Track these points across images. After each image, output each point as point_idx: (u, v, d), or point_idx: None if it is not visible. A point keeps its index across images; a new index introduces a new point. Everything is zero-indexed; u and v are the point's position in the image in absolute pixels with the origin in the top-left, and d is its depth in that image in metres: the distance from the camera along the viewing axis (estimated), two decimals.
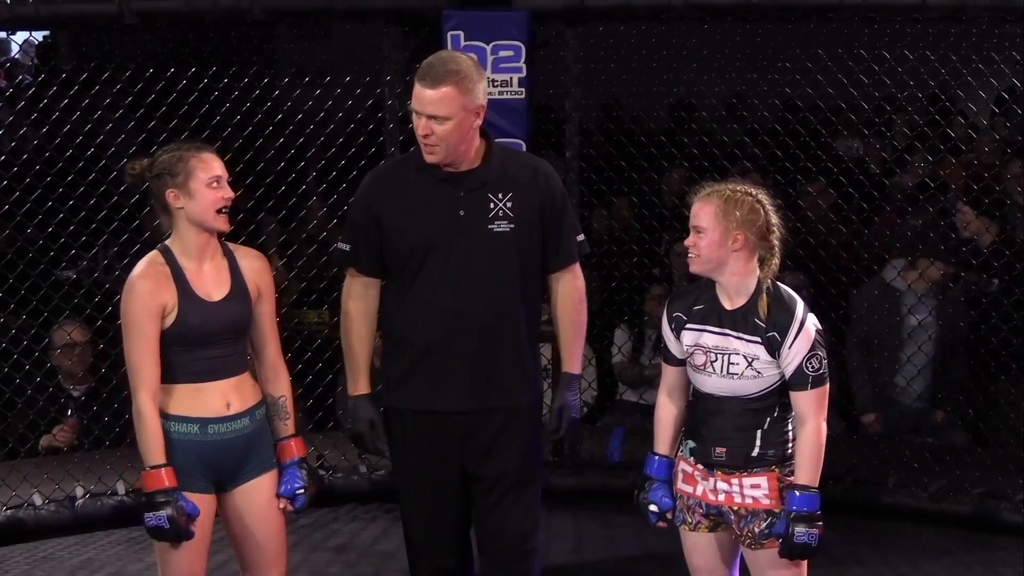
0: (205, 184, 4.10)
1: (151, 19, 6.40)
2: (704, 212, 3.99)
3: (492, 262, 4.30)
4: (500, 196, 4.31)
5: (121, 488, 6.46)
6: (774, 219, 4.01)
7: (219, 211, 4.12)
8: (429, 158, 4.26)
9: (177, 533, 4.04)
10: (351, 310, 4.44)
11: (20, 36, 7.55)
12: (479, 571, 4.51)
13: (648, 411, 4.32)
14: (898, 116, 8.39)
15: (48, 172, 6.84)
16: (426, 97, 4.19)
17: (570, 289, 4.49)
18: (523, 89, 6.29)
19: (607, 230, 8.11)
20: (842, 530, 6.21)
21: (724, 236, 3.97)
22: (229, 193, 4.15)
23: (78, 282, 7.23)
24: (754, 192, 4.02)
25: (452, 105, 4.19)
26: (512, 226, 4.30)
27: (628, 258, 7.72)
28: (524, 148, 6.14)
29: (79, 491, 6.45)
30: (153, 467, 4.06)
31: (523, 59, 6.32)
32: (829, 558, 5.82)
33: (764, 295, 3.99)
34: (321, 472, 6.45)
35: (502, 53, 6.30)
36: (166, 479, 4.04)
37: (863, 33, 7.54)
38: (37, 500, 6.39)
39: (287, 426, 4.30)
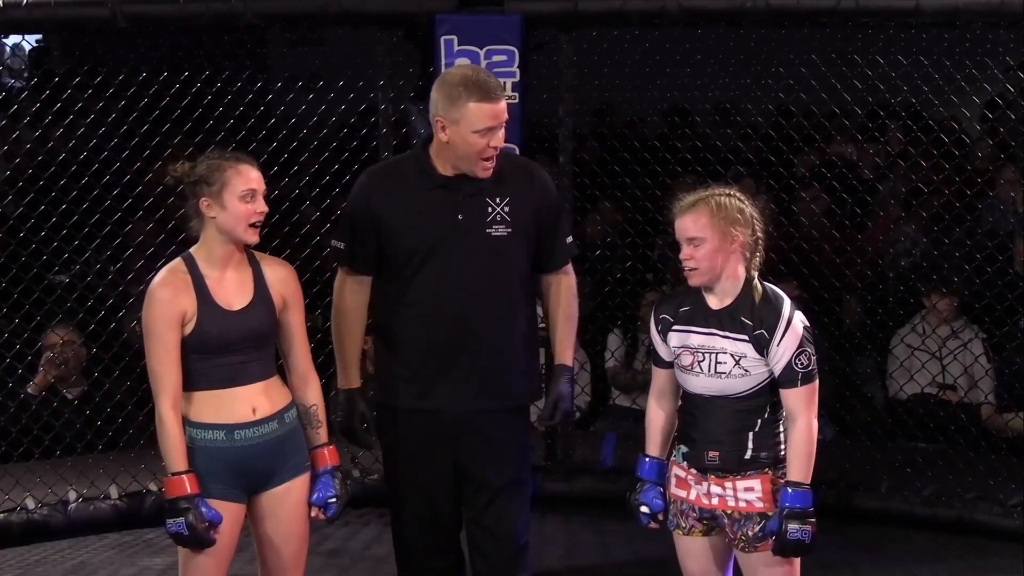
0: (238, 197, 4.09)
1: (144, 23, 6.40)
2: (697, 223, 4.00)
3: (490, 265, 4.33)
4: (498, 200, 4.34)
5: (114, 492, 6.46)
6: (757, 216, 4.05)
7: (251, 225, 4.12)
8: (487, 173, 4.29)
9: (197, 539, 4.05)
10: (344, 306, 4.48)
11: (12, 39, 7.56)
12: (472, 570, 4.53)
13: (641, 416, 4.34)
14: (892, 121, 8.39)
15: (41, 176, 6.84)
16: (499, 109, 4.24)
17: (564, 286, 4.54)
18: (516, 94, 6.28)
19: (600, 235, 8.11)
20: (834, 535, 6.21)
21: (723, 240, 3.99)
22: (263, 207, 4.14)
23: (71, 286, 7.22)
24: (732, 192, 4.07)
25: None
26: (509, 230, 4.34)
27: (622, 263, 7.71)
28: (517, 152, 6.13)
29: (72, 495, 6.45)
30: (175, 474, 4.05)
31: (516, 63, 6.31)
32: (821, 563, 5.81)
33: (755, 293, 4.01)
34: None
35: (496, 58, 6.29)
36: (188, 485, 4.04)
37: (857, 38, 7.54)
38: (30, 504, 6.38)
39: (319, 434, 4.29)
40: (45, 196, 6.76)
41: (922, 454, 6.95)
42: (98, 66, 6.86)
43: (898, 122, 8.22)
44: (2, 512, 6.34)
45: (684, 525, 4.16)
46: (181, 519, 4.02)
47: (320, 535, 6.38)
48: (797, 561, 4.09)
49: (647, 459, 4.23)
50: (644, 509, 4.20)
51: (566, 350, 4.56)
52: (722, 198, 4.01)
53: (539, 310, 4.64)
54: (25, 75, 9.02)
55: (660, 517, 4.20)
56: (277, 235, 7.25)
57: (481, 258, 4.32)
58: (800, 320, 4.01)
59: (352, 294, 4.46)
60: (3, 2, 6.14)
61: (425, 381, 4.37)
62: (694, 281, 4.03)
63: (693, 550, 4.17)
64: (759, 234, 4.04)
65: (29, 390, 6.86)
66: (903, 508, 6.52)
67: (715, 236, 3.99)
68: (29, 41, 7.76)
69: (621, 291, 7.64)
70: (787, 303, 4.03)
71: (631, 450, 4.38)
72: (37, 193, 6.81)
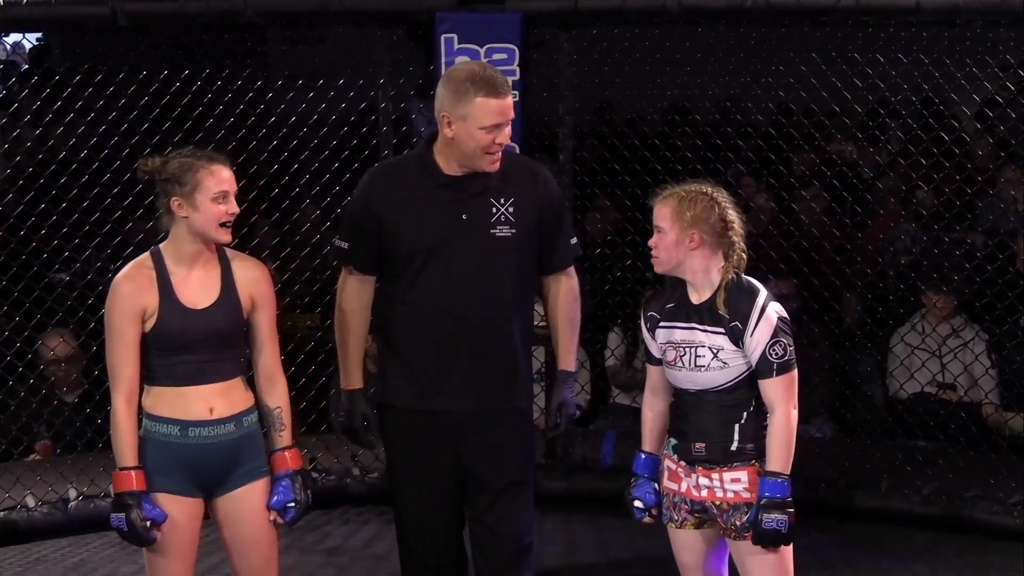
0: (211, 198, 4.08)
1: (144, 21, 6.40)
2: (662, 213, 4.08)
3: (493, 266, 4.33)
4: (502, 201, 4.33)
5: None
6: (731, 215, 4.07)
7: (222, 224, 4.11)
8: (494, 167, 4.29)
9: (137, 536, 4.05)
10: (347, 305, 4.47)
11: (13, 37, 7.57)
12: (475, 569, 4.53)
13: (640, 414, 4.34)
14: (892, 120, 8.39)
15: (41, 174, 6.84)
16: (507, 105, 4.23)
17: (566, 289, 4.54)
18: (517, 92, 6.27)
19: (601, 233, 8.11)
20: (834, 534, 6.22)
21: (680, 236, 4.04)
22: (234, 208, 4.13)
23: (71, 284, 7.22)
24: (709, 191, 4.09)
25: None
26: (513, 231, 4.34)
27: (621, 261, 7.72)
28: (517, 151, 6.14)
29: (72, 493, 6.45)
30: (123, 468, 4.06)
31: (517, 62, 6.31)
32: (821, 562, 5.83)
33: (723, 288, 4.04)
34: (314, 475, 6.44)
35: (496, 56, 6.28)
36: (134, 482, 4.05)
37: (857, 36, 7.54)
38: (30, 502, 6.39)
39: (282, 437, 4.26)
40: (45, 194, 6.76)
41: (922, 453, 6.94)
42: (98, 64, 6.87)
43: (898, 120, 8.22)
44: (3, 510, 6.35)
45: (677, 518, 4.18)
46: (123, 514, 4.02)
47: (320, 533, 6.39)
48: (787, 551, 4.10)
49: (642, 454, 4.27)
50: (638, 504, 4.24)
51: (568, 355, 4.57)
52: (692, 197, 4.05)
53: (539, 309, 4.65)
54: (25, 72, 9.02)
55: (654, 511, 4.24)
56: (277, 234, 7.28)
57: (484, 258, 4.31)
58: (775, 311, 4.03)
59: (355, 293, 4.45)
60: (3, 0, 6.14)
61: (427, 382, 4.36)
62: (656, 268, 4.13)
63: (687, 543, 4.20)
64: (735, 237, 4.06)
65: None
66: (903, 507, 6.52)
67: (673, 231, 4.05)
68: (29, 39, 7.75)
69: (621, 289, 7.64)
70: (762, 294, 4.05)
71: (631, 448, 4.38)
72: (38, 191, 6.81)
